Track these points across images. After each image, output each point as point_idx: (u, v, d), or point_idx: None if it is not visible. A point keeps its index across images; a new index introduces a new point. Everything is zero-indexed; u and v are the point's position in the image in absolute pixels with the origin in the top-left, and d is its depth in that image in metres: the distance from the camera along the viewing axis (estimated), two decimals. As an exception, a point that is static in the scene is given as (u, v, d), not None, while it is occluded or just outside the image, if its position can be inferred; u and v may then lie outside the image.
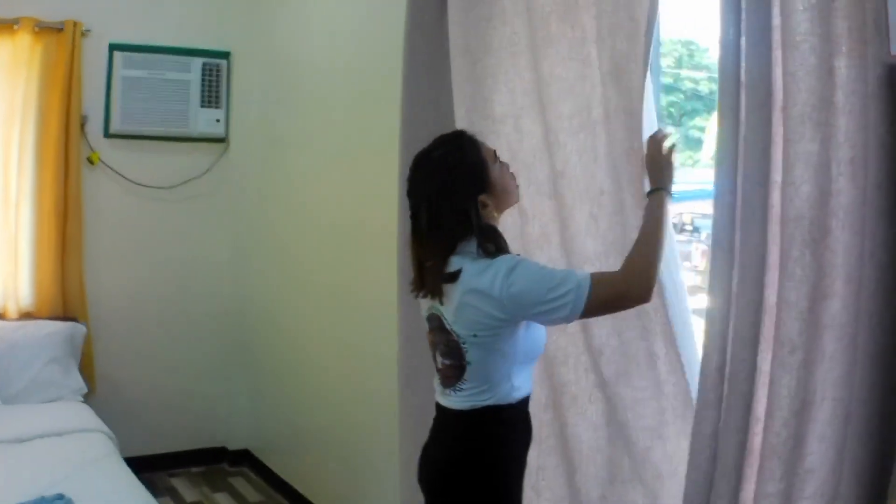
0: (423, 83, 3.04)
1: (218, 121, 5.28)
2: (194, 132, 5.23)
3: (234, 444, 5.57)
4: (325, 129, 4.57)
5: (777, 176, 1.91)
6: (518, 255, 2.28)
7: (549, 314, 2.14)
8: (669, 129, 2.31)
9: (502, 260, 2.18)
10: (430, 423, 2.40)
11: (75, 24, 4.79)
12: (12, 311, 4.80)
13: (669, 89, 3.84)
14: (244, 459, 5.55)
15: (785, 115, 1.83)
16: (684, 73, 4.05)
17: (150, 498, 3.35)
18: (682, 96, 4.05)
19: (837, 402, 1.83)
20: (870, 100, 1.71)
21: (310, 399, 4.82)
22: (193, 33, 5.20)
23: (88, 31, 4.87)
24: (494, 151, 2.33)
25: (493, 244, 2.23)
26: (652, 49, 2.32)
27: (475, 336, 2.21)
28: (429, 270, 2.28)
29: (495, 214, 2.28)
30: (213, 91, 5.22)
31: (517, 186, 2.37)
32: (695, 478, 2.10)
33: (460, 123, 2.79)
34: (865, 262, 1.75)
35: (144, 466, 5.17)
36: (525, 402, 2.34)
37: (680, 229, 3.73)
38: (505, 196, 2.30)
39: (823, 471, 1.85)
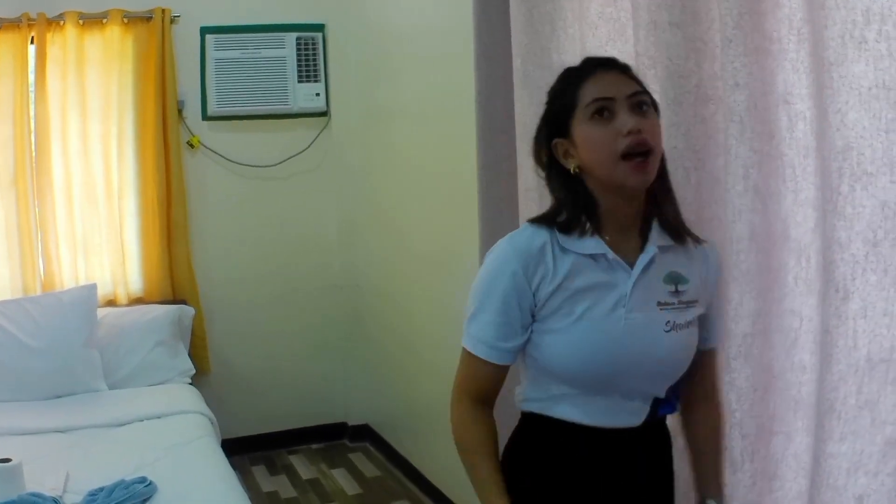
0: (489, 38, 2.90)
1: (318, 95, 5.22)
2: (294, 108, 5.19)
3: (354, 419, 5.56)
4: (421, 95, 4.47)
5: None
6: (506, 241, 1.87)
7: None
8: None
9: (502, 240, 1.88)
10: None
11: (163, 11, 4.81)
12: (122, 297, 4.89)
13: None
14: (365, 434, 5.53)
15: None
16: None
17: (234, 480, 3.33)
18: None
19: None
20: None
21: (424, 372, 4.73)
22: (284, 8, 5.15)
23: (177, 16, 4.89)
24: (602, 102, 1.75)
25: (558, 205, 1.86)
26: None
27: None
28: None
29: (577, 175, 1.82)
30: (310, 65, 5.17)
31: (628, 161, 1.72)
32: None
33: (517, 75, 2.64)
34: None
35: (264, 444, 5.26)
36: (576, 431, 1.87)
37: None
38: (592, 161, 1.77)
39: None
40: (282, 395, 5.38)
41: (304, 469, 5.09)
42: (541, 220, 1.85)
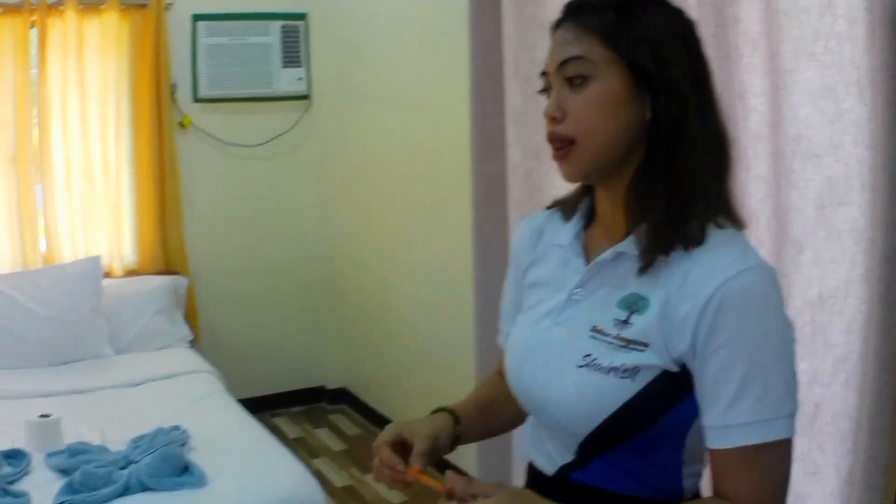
0: (481, 34, 3.21)
1: (300, 79, 5.55)
2: (278, 91, 5.51)
3: (332, 384, 5.91)
4: (399, 80, 4.85)
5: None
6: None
7: None
8: None
9: None
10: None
11: (158, -1, 5.08)
12: (118, 269, 5.17)
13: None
14: (342, 397, 5.89)
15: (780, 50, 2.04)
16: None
17: (258, 426, 3.67)
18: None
19: (861, 299, 1.97)
20: (876, 26, 1.88)
21: (396, 335, 5.15)
22: (270, -1, 5.48)
23: (171, 4, 5.14)
24: (543, 79, 1.45)
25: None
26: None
27: None
28: None
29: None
30: (293, 52, 5.50)
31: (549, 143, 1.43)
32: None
33: (508, 67, 2.96)
34: (878, 173, 1.92)
35: (247, 408, 5.56)
36: (530, 473, 1.60)
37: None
38: None
39: (851, 360, 2.00)
40: (263, 362, 5.69)
41: (290, 429, 5.45)
42: (553, 203, 1.62)
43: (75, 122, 5.00)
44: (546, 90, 1.43)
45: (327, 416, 5.71)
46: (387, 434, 1.54)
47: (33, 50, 4.87)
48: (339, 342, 5.86)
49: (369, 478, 4.67)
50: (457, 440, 1.62)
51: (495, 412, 1.70)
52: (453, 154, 4.06)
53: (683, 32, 1.39)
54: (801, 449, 2.00)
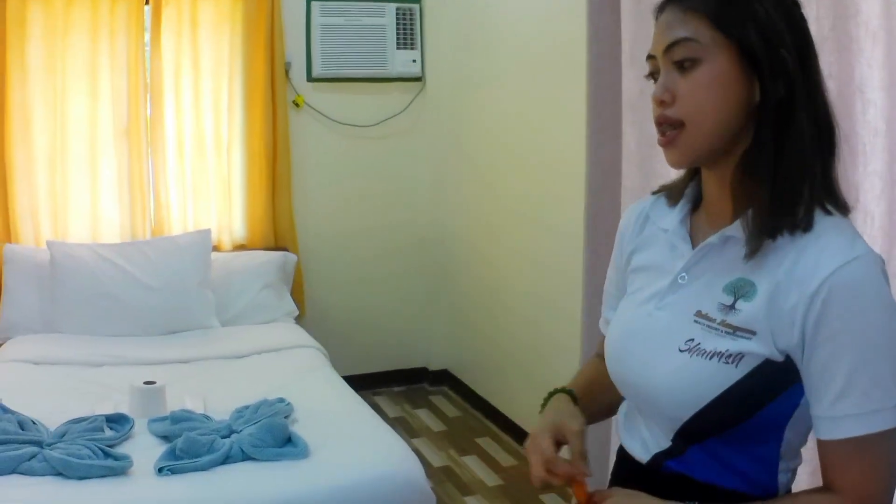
0: (600, 21, 3.19)
1: (414, 61, 5.59)
2: (392, 73, 5.55)
3: (434, 365, 5.94)
4: (514, 66, 4.83)
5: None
6: None
7: None
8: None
9: None
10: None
11: (271, -22, 5.13)
12: (226, 243, 5.27)
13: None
14: (444, 379, 5.91)
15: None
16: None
17: (362, 402, 3.71)
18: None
19: None
20: None
21: (503, 320, 5.13)
22: (384, -20, 5.49)
23: (285, -16, 5.21)
24: (650, 63, 1.43)
25: None
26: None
27: None
28: None
29: None
30: (407, 34, 5.53)
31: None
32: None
33: (625, 56, 2.96)
34: None
35: (350, 385, 5.64)
36: (622, 459, 1.61)
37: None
38: None
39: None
40: (368, 340, 5.75)
41: (390, 408, 5.49)
42: (660, 188, 1.61)
43: (188, 97, 5.10)
44: (653, 74, 1.41)
45: (428, 396, 5.74)
46: (547, 442, 1.48)
47: (147, 25, 4.97)
48: (445, 324, 5.88)
49: (467, 460, 4.70)
50: None
51: (597, 396, 1.67)
52: (567, 141, 4.06)
53: (789, 11, 1.35)
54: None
